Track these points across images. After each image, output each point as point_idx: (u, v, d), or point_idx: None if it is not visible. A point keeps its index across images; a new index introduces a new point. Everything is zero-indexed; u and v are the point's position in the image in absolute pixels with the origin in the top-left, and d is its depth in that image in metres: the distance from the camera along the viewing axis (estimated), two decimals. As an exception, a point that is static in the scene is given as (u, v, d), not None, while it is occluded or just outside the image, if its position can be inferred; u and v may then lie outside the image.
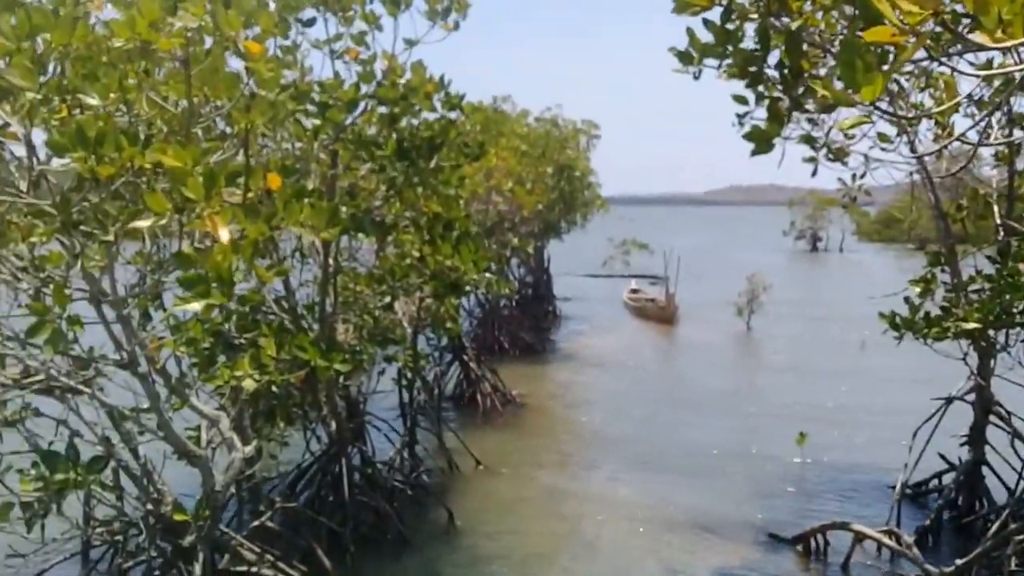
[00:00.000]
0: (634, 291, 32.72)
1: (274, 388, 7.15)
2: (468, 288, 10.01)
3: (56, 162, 4.29)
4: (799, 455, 12.21)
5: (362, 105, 7.00)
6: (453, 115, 7.52)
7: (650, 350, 23.51)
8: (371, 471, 9.55)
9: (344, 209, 6.99)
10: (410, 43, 6.31)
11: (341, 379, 8.91)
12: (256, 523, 6.98)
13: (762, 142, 5.22)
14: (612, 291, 34.97)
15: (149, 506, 5.98)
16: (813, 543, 9.07)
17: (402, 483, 10.44)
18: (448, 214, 8.22)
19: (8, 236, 4.90)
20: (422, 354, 11.56)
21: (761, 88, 5.72)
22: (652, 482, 11.60)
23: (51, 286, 4.58)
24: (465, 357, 15.70)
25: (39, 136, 4.59)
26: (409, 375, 11.06)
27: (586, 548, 9.28)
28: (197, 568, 6.10)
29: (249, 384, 5.53)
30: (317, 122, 6.81)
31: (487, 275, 8.99)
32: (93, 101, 4.46)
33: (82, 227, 4.42)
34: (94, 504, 6.81)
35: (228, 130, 6.36)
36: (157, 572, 6.34)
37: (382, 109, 7.41)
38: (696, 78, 5.88)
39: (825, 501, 10.75)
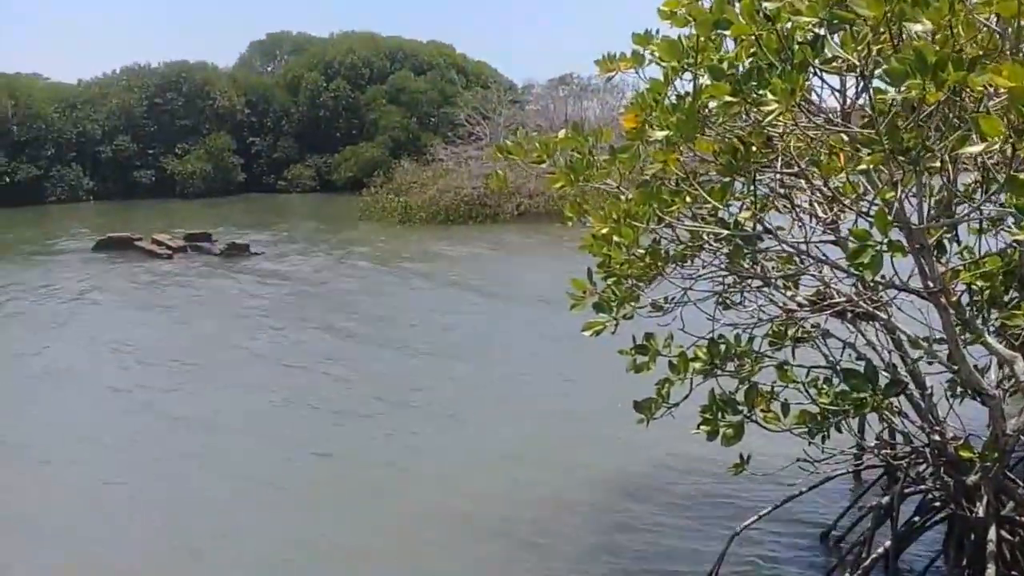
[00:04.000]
0: None
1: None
2: None
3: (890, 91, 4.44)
4: None
5: None
6: None
7: None
8: None
9: None
10: None
11: None
12: (1045, 477, 6.46)
13: None
14: None
15: (935, 437, 5.98)
16: None
17: None
18: None
19: (826, 167, 5.28)
20: None
21: None
22: None
23: (875, 213, 4.78)
24: None
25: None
26: None
27: None
28: (979, 508, 5.93)
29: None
30: None
31: None
32: (920, 27, 4.45)
33: (905, 155, 4.51)
34: (871, 426, 7.10)
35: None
36: (937, 504, 6.37)
37: None
38: None
39: None
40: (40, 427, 11.65)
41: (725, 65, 4.87)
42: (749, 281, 6.35)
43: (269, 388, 13.04)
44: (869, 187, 5.50)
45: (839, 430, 5.82)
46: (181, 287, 22.70)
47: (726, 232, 5.47)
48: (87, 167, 52.57)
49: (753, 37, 4.75)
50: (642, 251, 5.99)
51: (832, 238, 6.14)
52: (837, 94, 5.34)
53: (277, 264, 26.14)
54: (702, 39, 5.12)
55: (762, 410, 5.70)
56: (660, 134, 5.26)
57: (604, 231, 5.75)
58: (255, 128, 57.86)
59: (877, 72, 4.47)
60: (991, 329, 6.62)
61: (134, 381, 13.82)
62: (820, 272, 6.13)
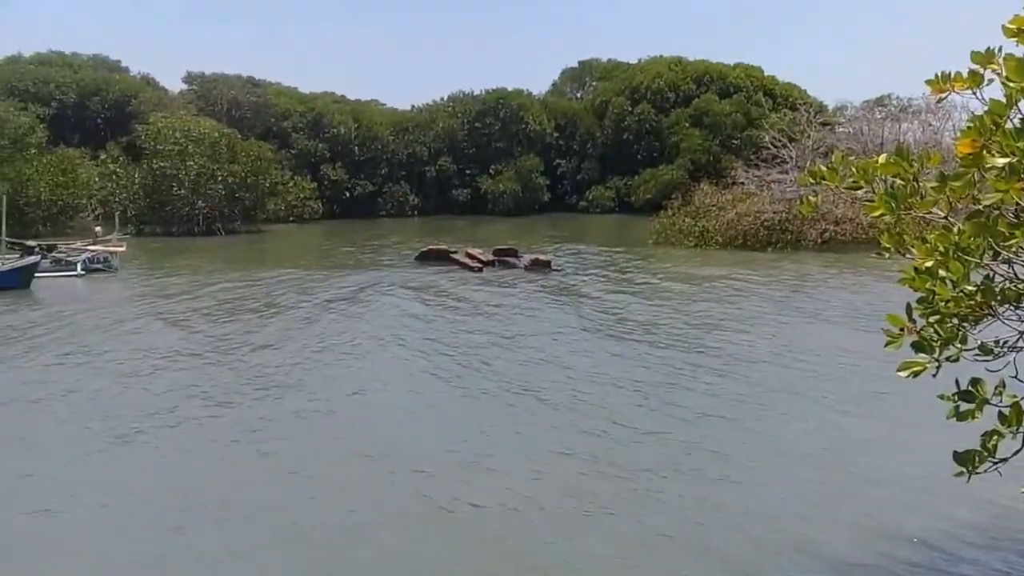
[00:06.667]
0: None
1: None
2: None
3: None
4: None
5: None
6: None
7: None
8: None
9: None
10: None
11: None
12: None
13: None
14: None
15: None
16: None
17: None
18: None
19: None
20: None
21: None
22: None
23: None
24: None
25: None
26: None
27: None
28: None
29: None
30: None
31: None
32: None
33: None
34: None
35: None
36: None
37: None
38: None
39: None
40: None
41: (1087, 86, 4.36)
42: (1102, 328, 5.61)
43: (577, 383, 13.53)
44: None
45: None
46: (493, 296, 24.27)
47: (1077, 272, 4.88)
48: (413, 185, 57.95)
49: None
50: (972, 288, 5.50)
51: None
52: None
53: (577, 281, 27.08)
54: (1057, 57, 4.65)
55: (1112, 475, 5.01)
56: (1001, 161, 4.82)
57: (928, 264, 5.36)
58: (562, 151, 60.46)
59: None
60: None
61: (446, 373, 14.99)
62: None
